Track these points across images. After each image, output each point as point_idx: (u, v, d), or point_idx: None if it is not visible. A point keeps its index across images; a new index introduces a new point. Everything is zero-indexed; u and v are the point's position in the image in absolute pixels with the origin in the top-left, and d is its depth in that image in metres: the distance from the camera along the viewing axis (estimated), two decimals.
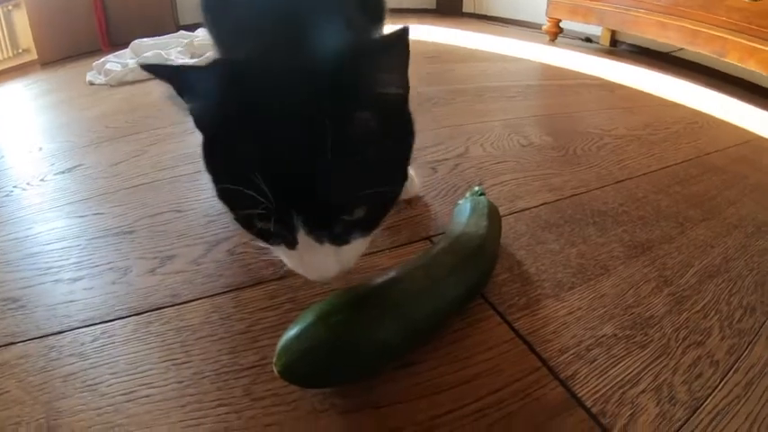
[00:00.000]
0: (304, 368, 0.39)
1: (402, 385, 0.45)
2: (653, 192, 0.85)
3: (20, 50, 2.23)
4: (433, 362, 0.47)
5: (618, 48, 2.48)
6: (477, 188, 0.65)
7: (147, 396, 0.43)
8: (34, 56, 2.24)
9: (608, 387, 0.45)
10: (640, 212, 0.77)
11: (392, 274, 0.46)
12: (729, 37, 1.61)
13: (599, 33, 2.53)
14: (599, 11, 2.10)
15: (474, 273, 0.51)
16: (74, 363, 0.47)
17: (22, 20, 2.19)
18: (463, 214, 0.58)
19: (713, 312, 0.57)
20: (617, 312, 0.55)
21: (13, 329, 0.52)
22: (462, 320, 0.52)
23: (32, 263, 0.63)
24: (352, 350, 0.40)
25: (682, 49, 2.05)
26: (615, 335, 0.52)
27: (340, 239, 0.39)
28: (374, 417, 0.42)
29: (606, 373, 0.47)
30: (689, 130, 1.23)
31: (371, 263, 0.61)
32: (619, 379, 0.46)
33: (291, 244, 0.38)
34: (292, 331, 0.40)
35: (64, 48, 2.26)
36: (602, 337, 0.51)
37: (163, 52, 1.76)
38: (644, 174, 0.92)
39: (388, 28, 0.43)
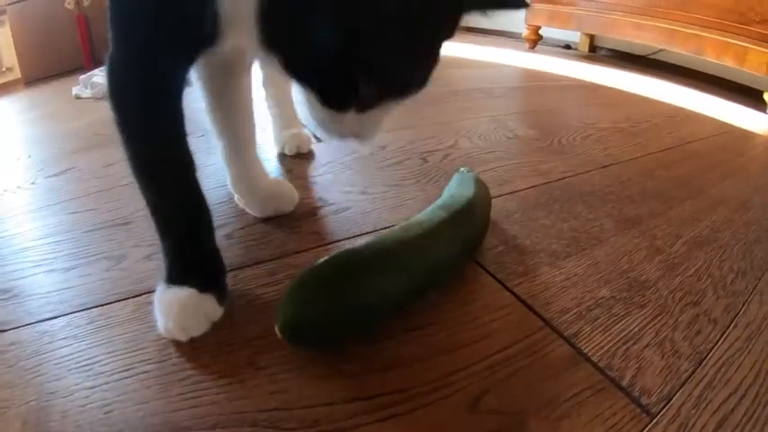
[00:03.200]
0: (306, 320, 0.39)
1: (410, 347, 0.45)
2: (638, 175, 0.87)
3: (3, 69, 2.22)
4: (440, 325, 0.48)
5: (597, 53, 2.54)
6: (463, 169, 0.67)
7: (145, 372, 0.42)
8: (17, 75, 2.23)
9: (612, 343, 0.46)
10: (627, 192, 0.79)
11: (384, 232, 0.48)
12: (705, 34, 1.65)
13: (578, 40, 2.59)
14: (577, 15, 2.15)
15: (465, 226, 0.53)
16: (68, 345, 0.45)
17: (4, 38, 2.18)
18: (452, 186, 0.61)
19: (706, 276, 0.58)
20: (613, 277, 0.56)
21: (4, 318, 0.50)
22: (463, 287, 0.53)
23: (24, 256, 0.61)
24: (352, 297, 0.41)
25: (659, 51, 2.10)
26: (613, 296, 0.53)
27: None
28: (384, 378, 0.42)
29: (608, 330, 0.48)
30: (669, 122, 1.27)
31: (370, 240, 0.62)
32: (622, 336, 0.47)
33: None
34: (292, 286, 0.41)
35: (48, 66, 2.25)
36: (601, 298, 0.52)
37: None
38: (628, 160, 0.94)
39: None
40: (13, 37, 2.15)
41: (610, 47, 2.47)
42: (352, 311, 0.41)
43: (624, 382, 0.42)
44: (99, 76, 1.74)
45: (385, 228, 0.65)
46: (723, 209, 0.77)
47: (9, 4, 2.14)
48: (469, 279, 0.54)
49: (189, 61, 0.48)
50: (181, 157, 0.47)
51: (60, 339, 0.46)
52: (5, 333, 0.47)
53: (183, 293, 0.45)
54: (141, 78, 0.45)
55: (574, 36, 2.58)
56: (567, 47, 2.64)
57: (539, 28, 2.41)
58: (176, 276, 0.46)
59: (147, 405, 0.39)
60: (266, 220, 0.66)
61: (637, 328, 0.48)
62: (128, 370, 0.42)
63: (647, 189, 0.81)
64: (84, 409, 0.39)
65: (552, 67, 1.96)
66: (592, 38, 2.52)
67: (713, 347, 0.47)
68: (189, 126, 0.47)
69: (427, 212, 0.52)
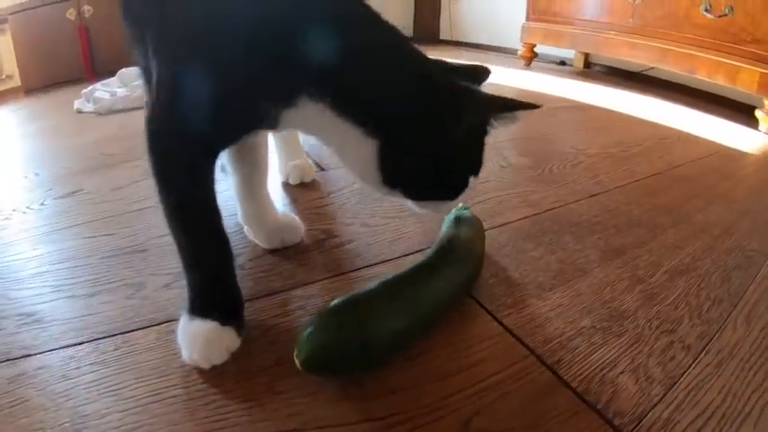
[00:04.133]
0: (325, 356, 0.45)
1: (411, 373, 0.50)
2: (625, 203, 0.91)
3: (2, 77, 2.24)
4: (436, 353, 0.52)
5: (591, 69, 2.58)
6: (460, 205, 0.71)
7: (172, 397, 0.46)
8: (17, 82, 2.25)
9: (590, 370, 0.51)
10: (613, 222, 0.83)
11: (395, 274, 0.53)
12: (697, 53, 1.68)
13: (573, 56, 2.64)
14: (572, 34, 2.20)
15: (464, 268, 0.59)
16: (96, 370, 0.49)
17: (5, 46, 2.21)
18: (450, 225, 0.65)
19: (683, 305, 0.63)
20: (594, 307, 0.61)
21: (30, 342, 0.53)
22: (457, 318, 0.58)
23: (43, 280, 0.64)
24: (369, 337, 0.46)
25: (653, 68, 2.15)
26: (594, 326, 0.58)
27: None
28: (388, 402, 0.46)
29: (588, 358, 0.52)
30: (659, 145, 1.30)
31: (373, 272, 0.67)
32: (599, 363, 0.52)
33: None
34: (313, 324, 0.46)
35: (48, 75, 2.26)
36: (582, 328, 0.57)
37: None
38: (616, 187, 0.98)
39: None
40: (14, 45, 2.18)
41: (604, 63, 2.52)
42: (366, 349, 0.47)
43: (599, 405, 0.47)
44: (101, 91, 1.76)
45: (387, 260, 0.70)
46: (706, 236, 0.80)
47: (11, 14, 2.18)
48: (463, 311, 0.59)
49: (237, 139, 0.55)
50: (210, 207, 0.52)
51: (87, 365, 0.49)
52: (32, 357, 0.50)
53: (207, 326, 0.49)
54: (186, 147, 0.50)
55: (569, 52, 2.63)
56: (562, 63, 2.68)
57: (534, 46, 2.46)
58: (200, 309, 0.50)
59: (177, 427, 0.43)
60: (274, 251, 0.70)
61: (614, 356, 0.53)
62: (156, 395, 0.46)
63: (632, 218, 0.85)
64: (118, 431, 0.42)
65: (547, 87, 2.01)
66: (586, 54, 2.57)
67: (684, 373, 0.51)
68: None
69: (430, 257, 0.57)
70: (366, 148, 0.47)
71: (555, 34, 2.29)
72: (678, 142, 1.35)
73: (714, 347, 0.55)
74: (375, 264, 0.69)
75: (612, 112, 1.66)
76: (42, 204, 0.89)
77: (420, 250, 0.71)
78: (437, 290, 0.54)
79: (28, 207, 0.89)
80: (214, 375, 0.48)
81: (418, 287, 0.52)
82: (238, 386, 0.47)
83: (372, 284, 0.51)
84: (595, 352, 0.53)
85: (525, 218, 0.84)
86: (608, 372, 0.51)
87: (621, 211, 0.88)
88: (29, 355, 0.51)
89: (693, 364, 0.53)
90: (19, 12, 2.20)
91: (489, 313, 0.59)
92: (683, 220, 0.85)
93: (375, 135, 0.46)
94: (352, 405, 0.46)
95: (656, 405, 0.47)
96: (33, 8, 2.22)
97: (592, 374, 0.50)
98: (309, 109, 0.46)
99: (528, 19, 2.42)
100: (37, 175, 1.06)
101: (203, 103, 0.47)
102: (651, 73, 2.23)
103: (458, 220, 0.65)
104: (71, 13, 2.30)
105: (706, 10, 1.63)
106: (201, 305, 0.51)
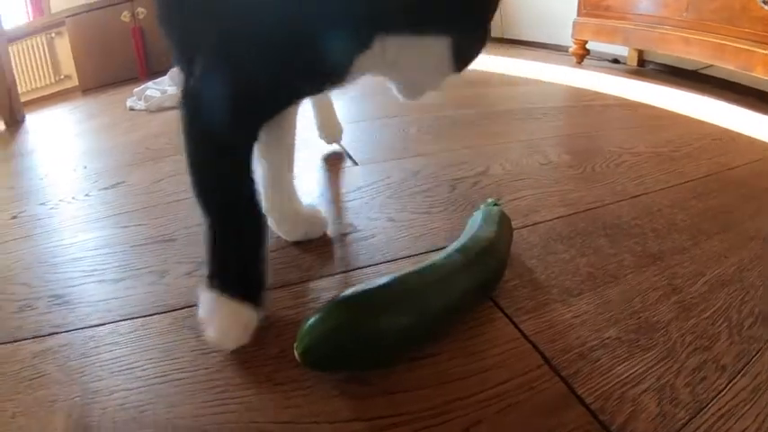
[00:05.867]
0: (324, 349, 0.44)
1: (416, 374, 0.48)
2: (668, 206, 0.85)
3: (61, 77, 2.37)
4: (446, 355, 0.50)
5: (645, 68, 2.47)
6: (490, 200, 0.69)
7: (178, 379, 0.47)
8: (75, 82, 2.38)
9: (609, 386, 0.47)
10: (654, 225, 0.78)
11: (407, 270, 0.51)
12: (755, 49, 1.57)
13: (626, 54, 2.53)
14: (624, 30, 2.11)
15: (483, 270, 0.55)
16: (112, 350, 0.51)
17: (64, 47, 2.33)
18: (475, 221, 0.63)
19: (722, 319, 0.57)
20: (622, 317, 0.57)
21: (59, 321, 0.56)
22: (473, 321, 0.55)
23: (77, 266, 0.68)
24: (372, 333, 0.45)
25: (709, 66, 2.03)
26: (619, 338, 0.53)
27: None
28: (387, 402, 0.45)
29: (608, 372, 0.49)
30: (712, 145, 1.22)
31: (392, 267, 0.65)
32: (620, 379, 0.48)
33: None
34: (314, 316, 0.45)
35: (104, 75, 2.38)
36: (607, 339, 0.53)
37: None
38: (661, 189, 0.93)
39: None
40: (71, 47, 2.30)
41: (659, 61, 2.40)
42: (370, 349, 0.45)
43: (614, 427, 0.43)
44: (152, 89, 1.83)
45: (408, 257, 0.68)
46: (754, 245, 0.74)
47: (68, 17, 2.30)
48: (479, 312, 0.56)
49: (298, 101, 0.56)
50: (250, 185, 0.52)
51: (105, 345, 0.52)
52: (58, 335, 0.54)
53: (232, 305, 0.49)
54: (234, 121, 0.49)
55: (622, 50, 2.53)
56: (616, 61, 2.58)
57: (585, 43, 2.37)
58: (225, 287, 0.49)
59: (177, 409, 0.44)
60: (296, 243, 0.70)
61: (638, 372, 0.49)
62: (163, 376, 0.48)
63: (675, 222, 0.80)
64: (122, 408, 0.44)
65: (597, 85, 1.93)
66: (641, 52, 2.46)
67: (716, 396, 0.47)
68: None
69: (449, 254, 0.54)
70: (440, 48, 0.46)
71: (607, 30, 2.20)
72: (732, 143, 1.26)
73: (752, 369, 0.50)
74: (395, 259, 0.67)
75: (664, 110, 1.57)
76: (87, 195, 0.94)
77: (444, 247, 0.69)
78: (451, 290, 0.51)
79: (73, 198, 0.94)
80: (219, 361, 0.49)
81: (431, 288, 0.49)
82: (240, 374, 0.48)
83: (382, 279, 0.49)
84: (618, 366, 0.49)
85: (560, 217, 0.80)
86: (629, 389, 0.47)
87: (664, 215, 0.82)
88: (56, 333, 0.55)
89: (727, 388, 0.48)
90: (76, 15, 2.32)
91: (507, 316, 0.56)
92: (732, 227, 0.79)
93: (448, 34, 0.45)
94: (349, 402, 0.45)
95: (679, 431, 0.43)
96: (89, 11, 2.33)
97: (610, 391, 0.47)
98: (385, 45, 0.44)
99: (579, 14, 2.33)
100: (85, 168, 1.12)
101: (270, 57, 0.44)
102: (708, 71, 2.11)
103: (485, 218, 0.63)
104: (125, 16, 2.40)
105: (764, 2, 1.52)
106: (228, 283, 0.50)
